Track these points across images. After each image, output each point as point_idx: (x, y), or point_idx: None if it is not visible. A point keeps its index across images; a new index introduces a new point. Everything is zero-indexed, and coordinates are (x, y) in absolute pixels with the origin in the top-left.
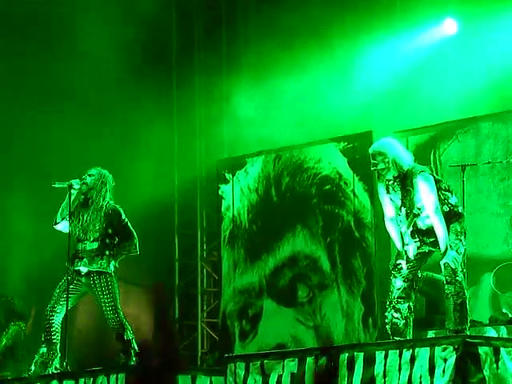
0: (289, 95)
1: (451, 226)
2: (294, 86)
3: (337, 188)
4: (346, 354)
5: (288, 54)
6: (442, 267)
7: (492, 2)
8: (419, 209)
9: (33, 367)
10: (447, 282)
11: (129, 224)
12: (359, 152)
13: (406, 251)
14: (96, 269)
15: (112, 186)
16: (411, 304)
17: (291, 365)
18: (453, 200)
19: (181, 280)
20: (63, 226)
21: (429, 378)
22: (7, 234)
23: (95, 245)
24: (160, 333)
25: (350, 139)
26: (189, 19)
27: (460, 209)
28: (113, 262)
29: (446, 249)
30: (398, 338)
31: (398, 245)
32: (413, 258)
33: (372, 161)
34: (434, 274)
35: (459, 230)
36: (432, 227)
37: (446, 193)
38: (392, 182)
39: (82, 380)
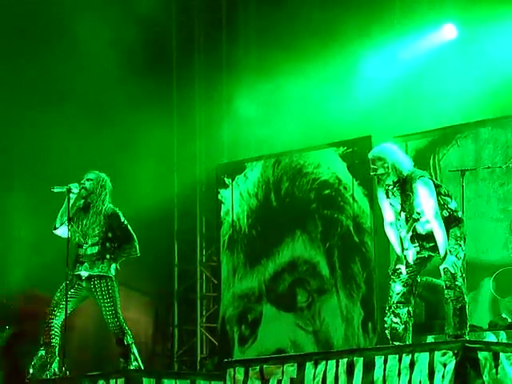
0: (289, 99)
1: (451, 230)
2: (294, 90)
3: (336, 193)
4: (346, 359)
5: (288, 57)
6: (442, 272)
7: (491, 8)
8: (419, 213)
9: (31, 370)
10: (447, 287)
11: (128, 226)
12: (358, 157)
13: (405, 256)
14: (97, 273)
15: (111, 190)
16: (411, 309)
17: (291, 370)
18: (452, 205)
19: (180, 285)
20: (62, 231)
21: (428, 382)
22: (7, 238)
23: (95, 249)
24: None
25: (349, 144)
26: (189, 21)
27: (459, 214)
28: (113, 266)
29: (446, 254)
30: (397, 343)
31: (398, 250)
32: (412, 263)
33: (371, 166)
34: (434, 279)
35: (459, 234)
36: (431, 232)
37: (446, 198)
38: (391, 186)
39: None
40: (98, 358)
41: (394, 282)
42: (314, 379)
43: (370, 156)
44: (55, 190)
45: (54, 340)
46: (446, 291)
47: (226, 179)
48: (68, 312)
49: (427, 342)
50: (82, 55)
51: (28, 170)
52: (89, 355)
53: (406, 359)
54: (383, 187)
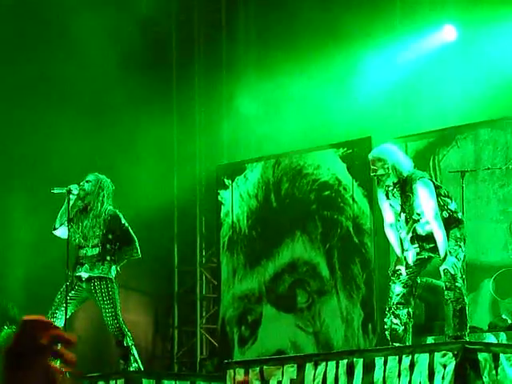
0: (289, 100)
1: (451, 232)
2: (294, 90)
3: (336, 194)
4: (346, 360)
5: (288, 58)
6: (442, 273)
7: (491, 9)
8: (419, 214)
9: None
10: (447, 288)
11: (129, 228)
12: (358, 158)
13: (405, 257)
14: (97, 274)
15: (111, 191)
16: (410, 310)
17: (291, 371)
18: (452, 206)
19: (180, 286)
20: (62, 232)
21: (428, 383)
22: (7, 238)
23: (96, 250)
24: None
25: (349, 145)
26: (189, 21)
27: (459, 215)
28: (114, 267)
29: (446, 255)
30: (397, 344)
31: (398, 251)
32: (412, 264)
33: (372, 166)
34: (434, 280)
35: (459, 236)
36: (431, 233)
37: (446, 199)
38: (392, 187)
39: None
40: (97, 360)
41: (394, 283)
42: (313, 380)
43: (370, 157)
44: (55, 191)
45: None
46: (445, 292)
47: (225, 180)
48: (68, 314)
49: (427, 343)
50: (82, 56)
51: (28, 170)
52: (89, 357)
53: (406, 360)
54: (383, 188)
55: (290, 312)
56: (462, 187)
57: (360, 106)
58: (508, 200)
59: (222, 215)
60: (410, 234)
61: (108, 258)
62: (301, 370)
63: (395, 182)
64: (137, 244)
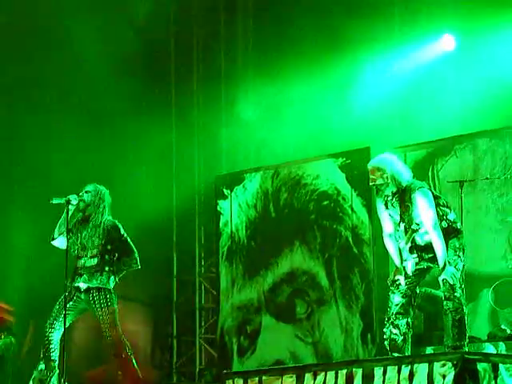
0: (287, 110)
1: (450, 241)
2: (292, 100)
3: (335, 204)
4: (345, 370)
5: (287, 68)
6: (441, 283)
7: (490, 18)
8: (418, 224)
9: (31, 383)
10: (446, 298)
11: (128, 239)
12: (357, 168)
13: (404, 267)
14: (95, 285)
15: (110, 202)
16: (410, 320)
17: (289, 381)
18: (451, 216)
19: (179, 296)
20: (60, 242)
21: None
22: (6, 249)
23: (94, 261)
24: None
25: (348, 155)
26: (187, 31)
27: (458, 225)
28: (112, 278)
29: (445, 265)
30: (396, 354)
31: (397, 261)
32: (411, 274)
33: (371, 176)
34: (433, 290)
35: (458, 246)
36: (430, 243)
37: (445, 209)
38: (391, 197)
39: None
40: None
41: (393, 293)
42: None
43: (369, 166)
44: (54, 202)
45: (53, 354)
46: (444, 302)
47: (224, 190)
48: (67, 324)
49: (426, 353)
50: (81, 66)
51: (28, 180)
52: (88, 368)
53: (405, 370)
54: (382, 198)
55: (289, 322)
56: (461, 197)
57: (359, 116)
58: (507, 210)
59: (220, 225)
60: (409, 244)
61: (107, 268)
62: (300, 380)
63: (394, 191)
64: (136, 255)
